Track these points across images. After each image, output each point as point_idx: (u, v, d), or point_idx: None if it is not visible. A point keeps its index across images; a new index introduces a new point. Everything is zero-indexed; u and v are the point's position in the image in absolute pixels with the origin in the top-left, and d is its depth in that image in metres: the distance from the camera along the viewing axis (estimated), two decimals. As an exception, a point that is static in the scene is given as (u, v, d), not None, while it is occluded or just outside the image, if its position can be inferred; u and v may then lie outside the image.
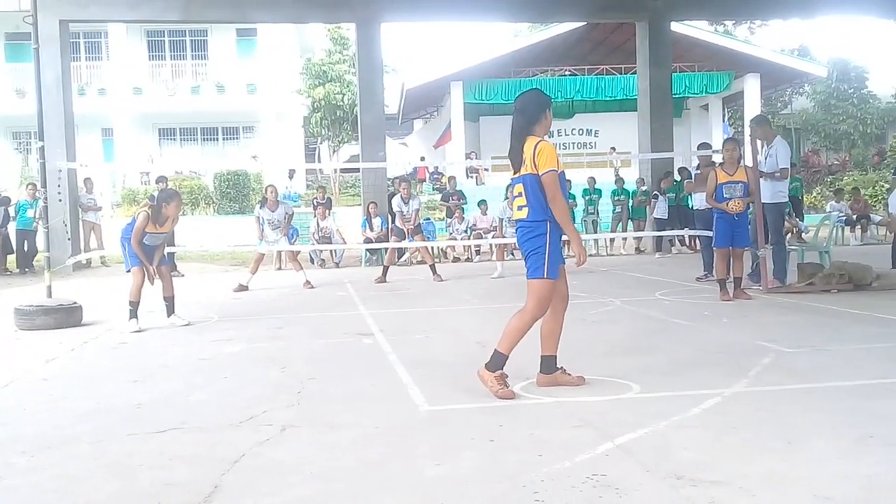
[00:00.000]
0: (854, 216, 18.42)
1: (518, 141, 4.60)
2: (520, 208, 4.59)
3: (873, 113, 34.74)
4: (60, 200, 13.94)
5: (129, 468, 3.41)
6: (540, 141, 4.53)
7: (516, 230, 4.70)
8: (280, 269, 14.89)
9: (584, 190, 17.66)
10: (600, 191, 17.75)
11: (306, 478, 3.22)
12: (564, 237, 4.67)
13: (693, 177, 11.71)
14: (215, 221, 22.29)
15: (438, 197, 23.88)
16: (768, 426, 3.71)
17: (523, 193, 4.55)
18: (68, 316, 7.95)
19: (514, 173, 4.66)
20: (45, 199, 9.57)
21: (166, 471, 3.36)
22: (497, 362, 4.45)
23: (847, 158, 32.78)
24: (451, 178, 19.01)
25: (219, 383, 5.14)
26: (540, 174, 4.44)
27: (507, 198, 14.60)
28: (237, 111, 28.24)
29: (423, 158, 29.44)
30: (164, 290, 7.92)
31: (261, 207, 11.74)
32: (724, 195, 8.34)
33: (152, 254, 7.78)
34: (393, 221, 13.31)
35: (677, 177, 16.69)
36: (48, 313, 7.85)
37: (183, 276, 13.54)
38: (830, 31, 58.36)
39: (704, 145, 11.79)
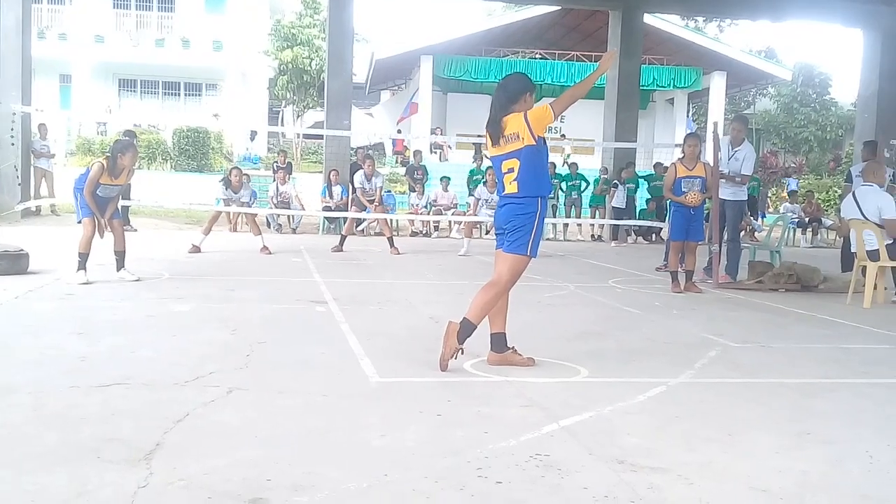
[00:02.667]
0: (806, 219, 18.80)
1: (497, 113, 4.59)
2: (510, 183, 4.57)
3: (833, 120, 35.44)
4: (13, 144, 13.58)
5: (70, 421, 3.35)
6: (524, 111, 4.53)
7: (501, 205, 4.67)
8: (235, 230, 14.72)
9: (567, 175, 17.72)
10: (560, 175, 17.80)
11: (250, 441, 3.19)
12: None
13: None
14: (172, 178, 21.92)
15: (401, 170, 23.80)
16: (711, 417, 3.78)
17: (514, 169, 4.53)
18: (14, 263, 7.75)
19: (492, 146, 4.65)
20: (-3, 141, 9.32)
21: (108, 425, 3.31)
22: (466, 332, 4.43)
23: (804, 162, 33.41)
24: (417, 153, 18.92)
25: (166, 341, 5.07)
26: (552, 119, 4.51)
27: (485, 181, 14.60)
28: (201, 68, 27.72)
29: (399, 131, 29.23)
30: (116, 243, 7.77)
31: (225, 188, 11.54)
32: (683, 189, 8.43)
33: (105, 206, 7.64)
34: (354, 192, 13.23)
35: (652, 171, 16.83)
36: (-7, 259, 7.66)
37: (136, 231, 13.31)
38: (798, 36, 59.28)
39: (692, 136, 11.95)
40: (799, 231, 18.51)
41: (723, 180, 9.06)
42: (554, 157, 20.53)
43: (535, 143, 4.50)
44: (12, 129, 13.60)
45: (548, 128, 4.70)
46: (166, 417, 3.41)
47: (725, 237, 9.38)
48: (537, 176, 4.56)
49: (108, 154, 7.68)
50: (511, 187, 4.57)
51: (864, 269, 8.08)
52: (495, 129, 4.59)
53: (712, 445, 3.34)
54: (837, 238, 16.76)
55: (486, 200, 12.81)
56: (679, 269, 8.61)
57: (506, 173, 4.60)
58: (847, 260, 9.88)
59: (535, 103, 4.69)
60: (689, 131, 26.22)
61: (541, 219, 4.56)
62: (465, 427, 3.46)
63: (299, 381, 4.20)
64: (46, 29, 26.35)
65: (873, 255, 7.92)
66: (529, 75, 4.96)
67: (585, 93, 4.67)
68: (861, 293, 7.98)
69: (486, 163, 14.60)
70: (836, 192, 25.99)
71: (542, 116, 4.51)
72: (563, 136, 25.15)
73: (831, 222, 18.90)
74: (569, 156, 22.85)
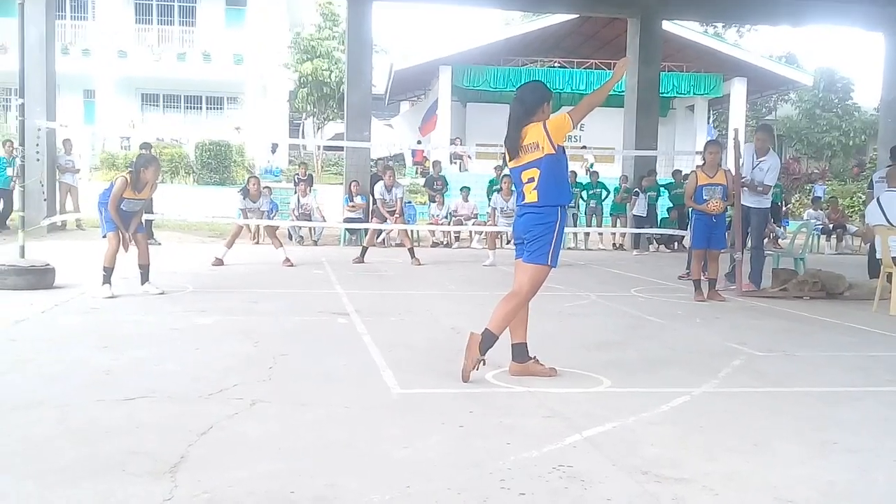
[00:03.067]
0: (830, 225, 18.62)
1: (515, 129, 4.59)
2: (530, 192, 4.56)
3: (856, 125, 35.11)
4: (38, 160, 13.74)
5: (95, 434, 3.39)
6: (543, 122, 4.54)
7: (521, 215, 4.67)
8: (257, 242, 14.81)
9: (588, 184, 17.67)
10: (581, 183, 17.75)
11: (273, 454, 3.21)
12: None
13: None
14: (195, 191, 22.09)
15: (420, 181, 23.84)
16: (735, 427, 3.75)
17: (535, 178, 4.52)
18: (40, 278, 7.85)
19: (511, 160, 4.66)
20: (23, 157, 9.44)
21: (133, 438, 3.34)
22: (488, 343, 4.43)
23: (827, 168, 33.11)
24: (436, 163, 18.95)
25: (190, 354, 5.11)
26: (571, 129, 4.53)
27: (500, 189, 14.60)
28: (223, 81, 27.96)
29: (419, 142, 29.31)
30: (140, 257, 7.85)
31: (243, 198, 11.56)
32: (704, 197, 8.38)
33: (129, 220, 7.71)
34: (374, 203, 13.27)
35: (671, 179, 16.70)
36: (20, 274, 7.75)
37: (160, 244, 13.43)
38: (819, 40, 58.89)
39: (713, 143, 11.91)
40: (823, 238, 18.33)
41: (745, 188, 9.02)
42: (575, 166, 20.57)
43: (554, 151, 4.50)
44: (37, 145, 13.76)
45: (567, 136, 4.70)
46: (190, 430, 3.44)
47: (749, 244, 9.31)
48: (558, 185, 4.55)
49: (131, 169, 7.76)
50: (531, 196, 4.56)
51: (889, 275, 7.99)
52: (513, 144, 4.60)
53: (736, 455, 3.32)
54: (862, 244, 16.57)
55: (502, 209, 12.79)
56: (702, 278, 8.56)
57: (526, 183, 4.59)
58: (874, 266, 9.77)
59: (554, 112, 4.70)
60: (709, 138, 26.09)
61: (560, 228, 4.55)
62: (487, 438, 3.46)
63: (321, 393, 4.22)
64: (70, 45, 26.69)
65: (899, 262, 7.82)
66: (545, 83, 4.97)
67: (602, 100, 4.67)
68: (887, 300, 7.89)
69: (505, 171, 14.57)
70: (860, 198, 25.73)
71: (561, 125, 4.52)
72: (584, 146, 25.11)
73: (856, 228, 18.70)
74: (592, 164, 22.81)
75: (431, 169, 18.76)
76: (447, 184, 17.96)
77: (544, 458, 3.20)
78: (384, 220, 12.85)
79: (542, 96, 4.65)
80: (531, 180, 4.56)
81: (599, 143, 25.34)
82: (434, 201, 17.10)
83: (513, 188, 4.84)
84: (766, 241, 10.86)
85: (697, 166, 9.00)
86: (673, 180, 17.57)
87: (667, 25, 20.32)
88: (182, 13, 28.55)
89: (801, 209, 24.76)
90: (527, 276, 4.57)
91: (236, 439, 3.37)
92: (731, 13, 19.18)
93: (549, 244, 4.51)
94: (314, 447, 3.32)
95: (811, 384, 4.74)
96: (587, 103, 4.60)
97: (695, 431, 3.66)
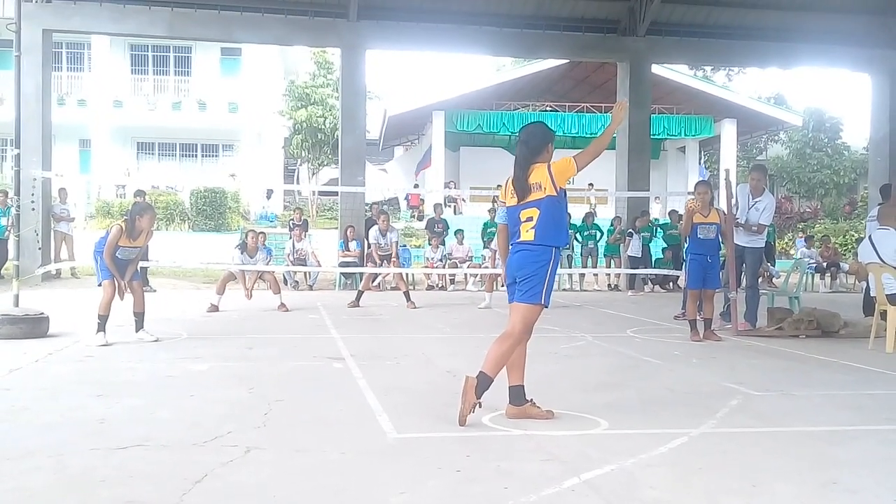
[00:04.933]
0: (824, 263, 18.69)
1: (522, 170, 4.62)
2: (526, 231, 4.58)
3: (847, 164, 35.45)
4: (34, 209, 13.80)
5: (89, 483, 3.35)
6: (548, 163, 4.59)
7: (515, 252, 4.67)
8: (250, 297, 14.73)
9: (583, 225, 17.71)
10: (575, 225, 17.81)
11: (268, 501, 3.18)
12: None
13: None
14: (190, 238, 22.14)
15: (415, 224, 23.95)
16: (734, 468, 3.73)
17: (534, 218, 4.54)
18: (34, 326, 7.82)
19: (519, 202, 4.65)
20: (18, 207, 9.46)
21: (127, 487, 3.31)
22: (484, 386, 4.41)
23: (819, 207, 33.34)
24: (437, 206, 19.03)
25: (185, 401, 5.08)
26: (576, 172, 4.58)
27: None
28: (218, 129, 28.20)
29: (416, 185, 29.46)
30: (135, 305, 7.83)
31: (241, 252, 11.52)
32: (699, 235, 8.46)
33: (125, 268, 7.71)
34: (369, 248, 13.29)
35: (666, 219, 16.76)
36: (14, 323, 7.72)
37: (155, 291, 13.41)
38: (806, 81, 59.67)
39: (703, 183, 12.05)
40: (817, 276, 18.39)
41: (740, 228, 9.08)
42: (581, 208, 20.68)
43: (556, 194, 4.53)
44: (33, 195, 13.83)
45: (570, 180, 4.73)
46: (185, 479, 3.40)
47: (744, 283, 9.34)
48: (556, 226, 4.57)
49: (127, 217, 7.78)
50: (527, 235, 4.57)
51: (884, 312, 8.00)
52: (522, 185, 4.60)
53: (736, 497, 3.29)
54: (857, 282, 16.62)
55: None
56: (697, 318, 8.57)
57: (524, 221, 4.60)
58: (869, 304, 9.80)
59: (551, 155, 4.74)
60: (700, 179, 26.28)
61: (554, 268, 4.55)
62: (484, 483, 3.43)
63: (317, 438, 4.19)
64: (66, 95, 26.95)
65: (893, 299, 7.84)
66: (547, 124, 5.03)
67: (606, 146, 4.70)
68: (883, 338, 7.89)
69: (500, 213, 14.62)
70: (852, 235, 25.89)
71: (565, 169, 4.56)
72: (590, 184, 25.28)
73: (848, 266, 18.77)
74: (594, 206, 22.93)
75: (433, 212, 18.84)
76: (448, 226, 18.02)
77: (542, 502, 3.17)
78: (378, 264, 12.86)
79: (545, 137, 4.71)
80: (529, 219, 4.57)
81: (594, 185, 25.50)
82: (430, 244, 17.15)
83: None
84: (760, 280, 10.89)
85: (690, 199, 9.00)
86: (669, 220, 17.66)
87: (656, 69, 20.60)
88: (177, 63, 28.89)
89: (794, 248, 24.85)
90: (519, 315, 4.56)
91: (231, 488, 3.34)
92: (719, 56, 19.46)
93: (542, 283, 4.51)
94: (309, 494, 3.29)
95: (809, 423, 4.72)
96: (593, 150, 4.63)
97: (694, 473, 3.63)
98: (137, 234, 7.69)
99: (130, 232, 7.62)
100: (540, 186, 4.55)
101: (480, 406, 4.43)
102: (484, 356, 4.56)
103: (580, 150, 4.65)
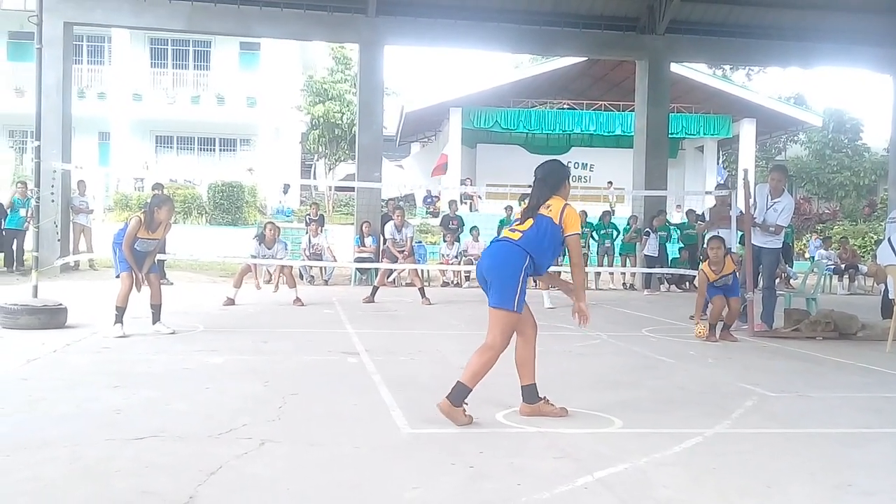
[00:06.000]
0: (842, 265, 18.55)
1: (536, 203, 4.61)
2: (513, 232, 4.58)
3: (867, 165, 35.14)
4: (53, 201, 13.89)
5: (104, 474, 3.38)
6: (567, 204, 4.60)
7: (493, 243, 4.74)
8: (269, 281, 14.83)
9: (599, 224, 17.66)
10: (592, 224, 17.78)
11: (281, 495, 3.19)
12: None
13: (706, 216, 11.85)
14: (207, 231, 22.24)
15: (430, 220, 23.94)
16: (747, 469, 3.71)
17: (526, 226, 4.53)
18: (53, 317, 7.90)
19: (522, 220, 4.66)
20: (38, 198, 9.55)
21: (142, 478, 3.33)
22: (460, 395, 4.35)
23: (838, 208, 33.07)
24: (452, 203, 19.03)
25: (200, 393, 5.11)
26: (567, 235, 4.51)
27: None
28: (236, 123, 28.29)
29: (429, 192, 29.33)
30: (152, 297, 7.88)
31: (259, 244, 11.55)
32: (716, 285, 8.42)
33: (143, 260, 7.75)
34: (385, 243, 13.30)
35: (684, 219, 16.71)
36: (33, 313, 7.81)
37: (172, 284, 13.48)
38: (827, 81, 59.17)
39: (721, 186, 12.01)
40: (835, 278, 18.25)
41: (757, 228, 9.03)
42: (599, 206, 20.64)
43: (558, 223, 4.52)
44: (52, 187, 13.92)
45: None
46: (200, 470, 3.43)
47: (761, 284, 9.28)
48: (541, 242, 4.50)
49: (145, 209, 7.83)
50: (513, 235, 4.56)
51: (902, 315, 7.93)
52: (532, 214, 4.60)
53: (749, 498, 3.28)
54: (875, 285, 16.48)
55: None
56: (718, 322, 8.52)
57: (516, 227, 4.61)
58: (887, 306, 9.71)
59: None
60: (719, 179, 26.17)
61: (525, 276, 4.45)
62: (497, 479, 3.43)
63: (331, 432, 4.20)
64: (86, 88, 27.12)
65: (912, 302, 7.78)
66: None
67: (580, 284, 4.72)
68: (901, 340, 7.82)
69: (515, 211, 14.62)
70: (871, 237, 25.67)
71: (574, 221, 4.56)
72: (609, 182, 25.21)
73: (866, 268, 18.63)
74: (613, 203, 22.85)
75: (448, 208, 18.84)
76: (463, 223, 18.02)
77: (555, 500, 3.17)
78: (395, 259, 12.88)
79: (563, 174, 4.75)
80: (521, 225, 4.58)
81: (613, 184, 25.43)
82: (445, 241, 17.15)
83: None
84: (777, 281, 10.83)
85: (702, 263, 8.86)
86: (686, 220, 17.58)
87: (675, 67, 20.48)
88: (197, 57, 29.00)
89: (806, 249, 24.65)
90: (497, 327, 4.44)
91: (245, 480, 3.36)
92: (739, 55, 19.32)
93: (515, 289, 4.40)
94: (323, 488, 3.30)
95: (825, 425, 4.70)
96: (581, 274, 4.74)
97: (707, 473, 3.62)
98: (156, 226, 7.74)
99: (149, 224, 7.67)
100: (549, 207, 4.56)
101: (468, 405, 4.38)
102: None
103: (578, 249, 4.62)
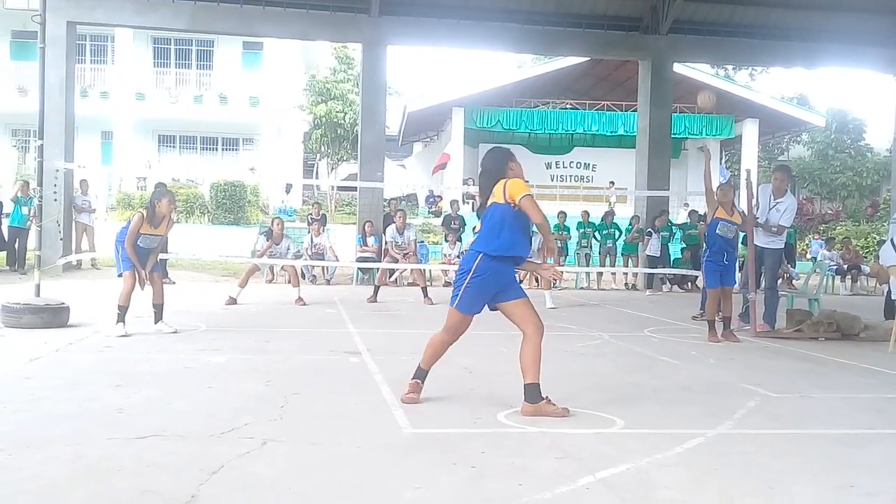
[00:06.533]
0: (845, 266, 18.52)
1: (484, 197, 4.76)
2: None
3: (869, 165, 35.09)
4: (56, 200, 13.90)
5: (106, 472, 3.38)
6: (506, 179, 4.65)
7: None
8: (272, 280, 14.86)
9: (579, 223, 17.66)
10: (594, 224, 17.79)
11: (283, 494, 3.19)
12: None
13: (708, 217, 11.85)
14: (209, 231, 22.25)
15: (433, 220, 23.92)
16: (750, 469, 3.71)
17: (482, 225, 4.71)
18: (55, 316, 7.91)
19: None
20: (41, 197, 9.55)
21: (144, 477, 3.33)
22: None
23: (841, 209, 33.01)
24: (454, 202, 19.02)
25: (202, 393, 5.11)
26: (517, 202, 4.50)
27: (533, 232, 14.60)
28: (238, 123, 28.30)
29: (431, 192, 29.35)
30: (154, 296, 7.89)
31: (266, 239, 11.63)
32: (718, 231, 8.44)
33: (146, 257, 7.76)
34: (386, 244, 13.30)
35: (686, 220, 16.68)
36: (35, 312, 7.81)
37: (174, 283, 13.49)
38: (830, 81, 59.08)
39: (726, 184, 11.99)
40: (838, 278, 18.23)
41: (759, 228, 9.02)
42: (601, 206, 20.62)
43: (502, 203, 4.57)
44: (55, 186, 13.92)
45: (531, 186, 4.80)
46: (202, 469, 3.43)
47: (763, 285, 9.27)
48: (488, 232, 4.62)
49: (147, 205, 7.85)
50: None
51: (905, 316, 7.91)
52: (483, 205, 4.75)
53: (751, 498, 3.28)
54: (878, 285, 16.45)
55: (537, 249, 12.80)
56: (716, 318, 8.52)
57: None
58: (890, 307, 9.70)
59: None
60: (722, 179, 26.08)
61: (475, 276, 4.60)
62: (499, 479, 3.43)
63: (332, 432, 4.20)
64: (89, 87, 27.13)
65: (915, 302, 7.76)
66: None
67: (546, 234, 4.67)
68: (903, 341, 7.81)
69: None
70: (874, 238, 25.63)
71: (519, 188, 4.54)
72: (611, 182, 25.18)
73: (869, 268, 18.60)
74: (614, 204, 22.83)
75: (450, 208, 18.84)
76: (464, 223, 18.01)
77: (557, 500, 3.17)
78: (396, 261, 12.87)
79: (502, 158, 4.80)
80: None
81: (615, 183, 25.40)
82: (448, 240, 17.13)
83: (533, 229, 4.88)
84: (779, 281, 10.81)
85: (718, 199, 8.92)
86: (689, 220, 17.56)
87: (678, 67, 20.46)
88: (199, 56, 29.02)
89: (807, 248, 24.61)
90: (447, 318, 4.83)
91: (247, 479, 3.36)
92: (742, 55, 19.27)
93: (459, 288, 4.69)
94: (324, 487, 3.30)
95: (827, 426, 4.69)
96: (541, 223, 4.60)
97: (710, 474, 3.62)
98: (159, 221, 7.75)
99: (151, 218, 7.68)
100: (493, 194, 4.65)
101: (422, 384, 4.82)
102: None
103: (535, 208, 4.52)
